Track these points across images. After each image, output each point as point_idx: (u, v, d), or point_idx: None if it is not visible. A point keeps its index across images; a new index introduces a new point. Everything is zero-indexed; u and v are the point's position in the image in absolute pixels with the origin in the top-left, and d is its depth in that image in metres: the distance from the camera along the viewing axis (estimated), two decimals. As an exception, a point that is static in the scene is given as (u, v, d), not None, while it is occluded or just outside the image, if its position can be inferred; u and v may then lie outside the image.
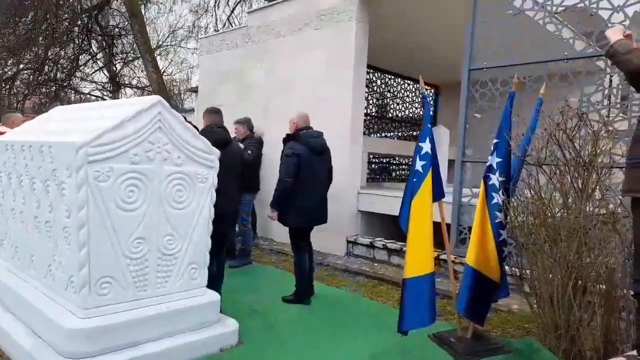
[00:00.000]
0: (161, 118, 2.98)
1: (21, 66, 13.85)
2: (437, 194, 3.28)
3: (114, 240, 2.79)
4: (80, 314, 2.70)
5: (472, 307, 3.25)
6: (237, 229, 5.65)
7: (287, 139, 4.36)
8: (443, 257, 5.06)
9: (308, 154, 4.21)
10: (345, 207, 6.09)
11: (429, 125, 3.20)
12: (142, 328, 2.87)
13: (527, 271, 3.37)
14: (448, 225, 4.74)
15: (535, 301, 3.32)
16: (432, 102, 11.17)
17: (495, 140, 3.25)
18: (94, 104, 3.63)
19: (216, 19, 15.70)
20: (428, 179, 3.13)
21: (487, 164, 3.27)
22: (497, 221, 3.19)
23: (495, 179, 3.21)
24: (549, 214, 3.11)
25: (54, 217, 2.91)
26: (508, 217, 3.26)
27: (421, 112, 11.19)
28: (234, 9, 15.34)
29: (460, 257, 4.91)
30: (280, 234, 6.91)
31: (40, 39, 12.30)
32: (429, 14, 6.50)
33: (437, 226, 3.31)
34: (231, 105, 7.76)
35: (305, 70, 6.56)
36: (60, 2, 12.25)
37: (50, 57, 13.53)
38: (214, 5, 15.49)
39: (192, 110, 20.27)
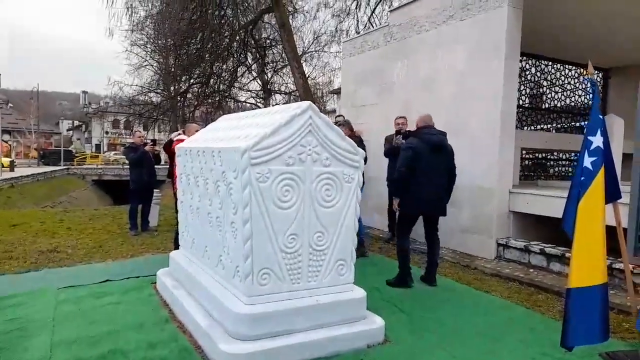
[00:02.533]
0: (311, 122, 3.16)
1: (192, 81, 16.00)
2: (611, 195, 2.86)
3: (272, 235, 3.05)
4: (245, 300, 3.02)
5: (660, 327, 2.77)
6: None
7: (408, 135, 4.96)
8: (617, 266, 4.40)
9: (424, 149, 4.55)
10: (495, 207, 5.69)
11: (600, 116, 2.80)
12: (295, 318, 3.09)
13: None
14: (624, 230, 4.11)
15: None
16: (600, 88, 9.75)
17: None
18: (252, 112, 4.02)
19: (357, 21, 16.03)
20: (599, 177, 2.75)
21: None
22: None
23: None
24: None
25: (223, 213, 3.30)
26: None
27: (585, 100, 9.84)
28: (374, 9, 15.49)
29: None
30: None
31: (207, 56, 14.07)
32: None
33: (609, 231, 2.89)
34: (372, 104, 7.88)
35: (450, 64, 6.30)
36: (222, 21, 13.83)
37: (215, 71, 15.36)
38: (355, 8, 15.84)
39: (333, 111, 21.13)
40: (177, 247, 5.05)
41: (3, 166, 28.30)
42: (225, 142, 3.38)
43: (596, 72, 9.51)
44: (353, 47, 8.40)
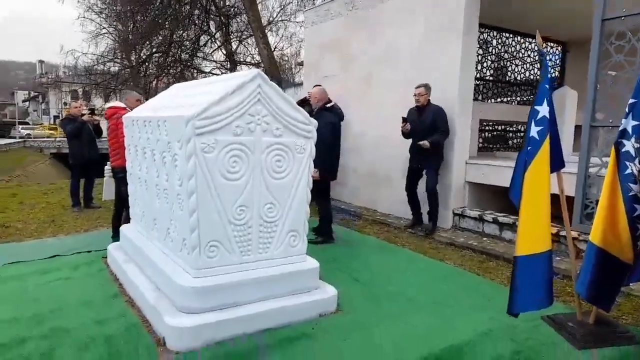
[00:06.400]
0: (260, 91, 3.05)
1: (151, 50, 15.33)
2: (556, 164, 2.91)
3: (220, 207, 2.97)
4: (192, 273, 2.95)
5: (596, 290, 2.87)
6: None
7: (320, 110, 5.14)
8: (563, 233, 4.56)
9: (338, 123, 5.23)
10: (453, 178, 5.76)
11: (547, 86, 2.81)
12: (245, 290, 3.05)
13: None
14: (570, 199, 4.25)
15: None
16: (558, 61, 9.92)
17: (631, 101, 2.76)
18: (204, 80, 3.87)
19: (324, -11, 15.62)
20: (545, 146, 2.78)
21: (620, 128, 2.81)
22: (630, 194, 2.74)
23: (630, 145, 2.74)
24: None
25: (169, 185, 3.19)
26: (646, 190, 2.78)
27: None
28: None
29: (585, 234, 4.38)
30: (384, 205, 6.84)
31: (166, 23, 13.46)
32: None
33: (553, 198, 2.96)
34: (335, 76, 7.75)
35: (410, 36, 6.23)
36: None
37: (176, 39, 14.75)
38: (322, -24, 15.40)
39: (301, 83, 20.76)
40: (117, 224, 4.93)
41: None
42: (171, 110, 3.23)
43: (553, 44, 9.61)
44: (316, 15, 8.18)
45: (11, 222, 6.29)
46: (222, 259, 3.02)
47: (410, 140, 5.74)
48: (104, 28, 18.73)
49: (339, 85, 7.65)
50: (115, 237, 4.78)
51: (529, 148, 2.84)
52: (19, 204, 7.70)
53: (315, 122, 3.38)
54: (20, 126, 39.65)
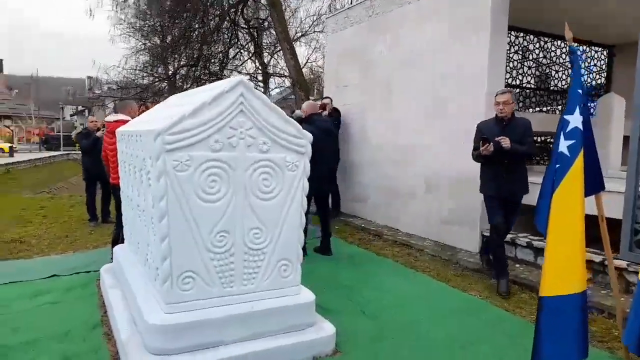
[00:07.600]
0: (243, 100, 2.70)
1: (181, 63, 15.43)
2: (592, 186, 2.37)
3: (196, 232, 2.62)
4: (164, 308, 2.60)
5: (650, 342, 2.30)
6: None
7: (301, 122, 4.80)
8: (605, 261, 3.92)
9: (318, 134, 4.53)
10: (479, 196, 5.18)
11: (579, 91, 2.30)
12: (225, 328, 2.67)
13: None
14: (613, 221, 3.65)
15: None
16: (604, 67, 9.09)
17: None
18: (194, 90, 3.57)
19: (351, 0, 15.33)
20: (578, 164, 2.26)
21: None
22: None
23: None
24: None
25: (146, 206, 2.88)
26: None
27: (589, 80, 9.20)
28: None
29: (636, 264, 3.75)
30: (407, 224, 6.33)
31: (194, 35, 13.49)
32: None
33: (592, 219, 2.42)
34: (355, 84, 7.36)
35: (432, 40, 5.75)
36: (209, 1, 13.22)
37: (204, 53, 14.78)
38: (350, -15, 15.11)
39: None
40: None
41: (3, 151, 28.24)
42: (149, 124, 2.93)
43: (597, 48, 8.78)
44: (336, 23, 7.83)
45: (27, 237, 6.24)
46: (199, 292, 2.66)
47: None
48: (143, 44, 19.17)
49: (357, 93, 7.26)
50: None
51: (557, 166, 2.33)
52: (42, 217, 7.72)
53: (310, 136, 2.99)
54: None
